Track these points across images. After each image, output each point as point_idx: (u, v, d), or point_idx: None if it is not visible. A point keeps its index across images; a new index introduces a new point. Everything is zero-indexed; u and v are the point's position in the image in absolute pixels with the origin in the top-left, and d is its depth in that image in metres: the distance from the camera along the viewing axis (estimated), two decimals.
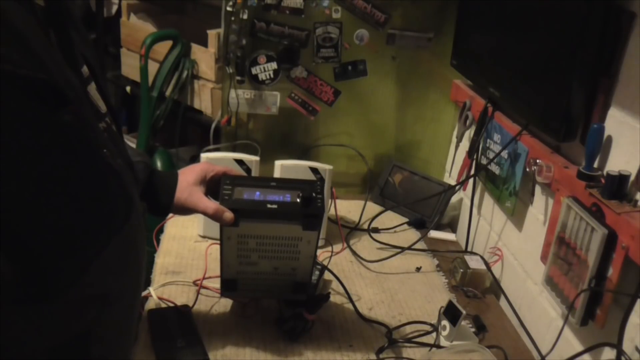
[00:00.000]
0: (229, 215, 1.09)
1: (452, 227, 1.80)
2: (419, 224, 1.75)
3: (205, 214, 1.10)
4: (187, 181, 1.13)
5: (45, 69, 0.49)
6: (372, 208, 1.80)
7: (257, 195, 1.12)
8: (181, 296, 1.33)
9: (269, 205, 1.10)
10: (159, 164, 2.07)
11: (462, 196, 1.78)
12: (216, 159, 1.46)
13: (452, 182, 1.78)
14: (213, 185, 1.16)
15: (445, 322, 1.26)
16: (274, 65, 1.78)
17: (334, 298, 1.36)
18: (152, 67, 2.04)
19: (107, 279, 0.53)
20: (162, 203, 1.12)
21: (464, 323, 1.27)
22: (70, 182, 0.49)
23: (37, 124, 0.47)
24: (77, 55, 0.62)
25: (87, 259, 0.49)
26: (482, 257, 1.54)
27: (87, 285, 0.50)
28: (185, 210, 1.13)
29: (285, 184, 1.16)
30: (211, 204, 1.10)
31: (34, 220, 0.45)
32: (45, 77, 0.48)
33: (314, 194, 1.13)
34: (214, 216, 1.09)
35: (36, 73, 0.47)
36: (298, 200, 1.11)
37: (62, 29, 0.60)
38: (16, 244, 0.44)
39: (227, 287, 1.22)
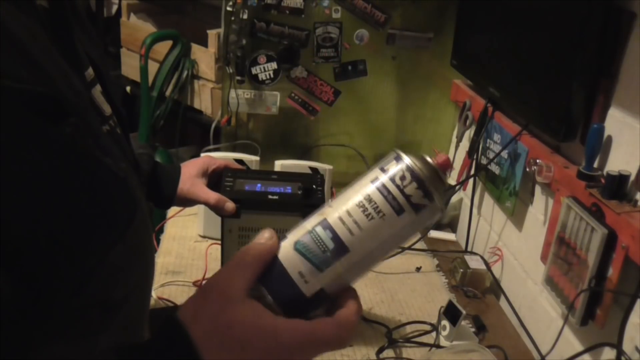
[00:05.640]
0: (230, 205, 1.10)
1: (452, 227, 1.80)
2: None
3: (207, 204, 1.11)
4: (190, 173, 1.14)
5: (45, 80, 0.48)
6: None
7: (259, 187, 1.14)
8: (181, 296, 1.32)
9: (270, 196, 1.12)
10: None
11: (462, 196, 1.78)
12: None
13: (452, 182, 1.78)
14: (214, 179, 1.17)
15: (445, 322, 1.26)
16: (274, 65, 1.77)
17: None
18: (152, 67, 2.04)
19: (112, 284, 0.53)
20: (165, 195, 1.13)
21: (464, 323, 1.27)
22: (70, 194, 0.48)
23: (36, 138, 0.46)
24: (82, 58, 0.62)
25: (89, 267, 0.49)
26: (482, 257, 1.54)
27: (90, 292, 0.50)
28: (188, 201, 1.14)
29: (286, 176, 1.18)
30: (213, 194, 1.11)
31: (33, 232, 0.45)
32: (45, 90, 0.48)
33: (314, 186, 1.14)
34: (216, 206, 1.10)
35: (36, 86, 0.47)
36: (299, 191, 1.12)
37: (67, 30, 0.59)
38: (16, 258, 0.44)
39: None
